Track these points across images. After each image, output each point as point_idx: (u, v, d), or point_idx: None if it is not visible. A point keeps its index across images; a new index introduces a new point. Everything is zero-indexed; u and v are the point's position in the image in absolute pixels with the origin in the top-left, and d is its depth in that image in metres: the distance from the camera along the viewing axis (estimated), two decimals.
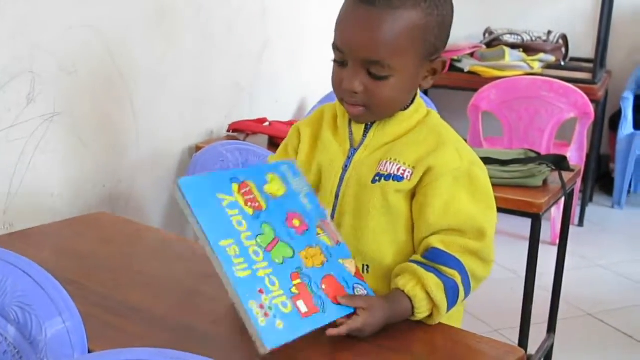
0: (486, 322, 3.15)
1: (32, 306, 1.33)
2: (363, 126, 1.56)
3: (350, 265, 1.47)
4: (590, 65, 4.37)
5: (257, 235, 1.37)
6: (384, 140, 1.54)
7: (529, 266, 2.50)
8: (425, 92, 4.44)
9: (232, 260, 1.31)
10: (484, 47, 4.52)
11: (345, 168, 1.56)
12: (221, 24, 3.01)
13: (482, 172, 1.53)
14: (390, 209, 1.52)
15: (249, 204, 1.41)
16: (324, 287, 1.40)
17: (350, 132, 1.58)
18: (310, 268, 1.41)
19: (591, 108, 3.88)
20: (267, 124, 3.11)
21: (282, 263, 1.38)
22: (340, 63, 1.49)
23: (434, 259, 1.46)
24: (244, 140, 2.92)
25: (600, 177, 4.96)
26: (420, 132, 1.53)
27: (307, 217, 1.48)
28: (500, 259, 3.72)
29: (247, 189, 1.43)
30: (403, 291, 1.44)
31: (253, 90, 3.26)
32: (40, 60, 2.20)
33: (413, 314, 1.45)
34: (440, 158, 1.48)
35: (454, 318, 1.58)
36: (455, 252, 1.46)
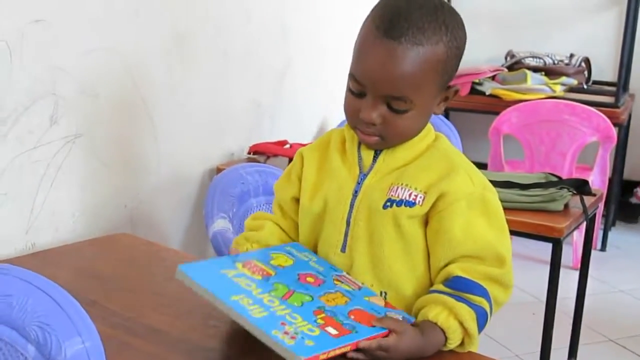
0: (507, 347, 3.13)
1: (52, 326, 1.33)
2: (373, 151, 1.55)
3: (378, 301, 1.47)
4: (613, 88, 4.36)
5: (269, 291, 1.41)
6: (394, 165, 1.53)
7: (550, 291, 2.49)
8: (447, 115, 4.45)
9: (247, 307, 1.34)
10: (506, 70, 4.51)
11: (355, 194, 1.55)
12: (241, 45, 3.03)
13: (494, 196, 1.53)
14: (403, 235, 1.51)
15: (256, 273, 1.46)
16: (352, 317, 1.40)
17: (360, 157, 1.57)
18: (333, 306, 1.41)
19: (614, 132, 3.86)
20: (287, 146, 3.12)
21: (302, 305, 1.39)
22: (357, 94, 1.48)
23: (460, 288, 1.45)
24: (265, 162, 2.92)
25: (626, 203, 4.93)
26: (431, 156, 1.53)
27: (321, 275, 1.50)
28: (521, 283, 3.74)
29: (252, 264, 1.48)
30: (436, 323, 1.42)
31: (274, 112, 3.27)
32: (63, 83, 2.22)
33: (445, 344, 1.44)
34: (453, 183, 1.47)
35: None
36: (479, 280, 1.45)
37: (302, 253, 1.57)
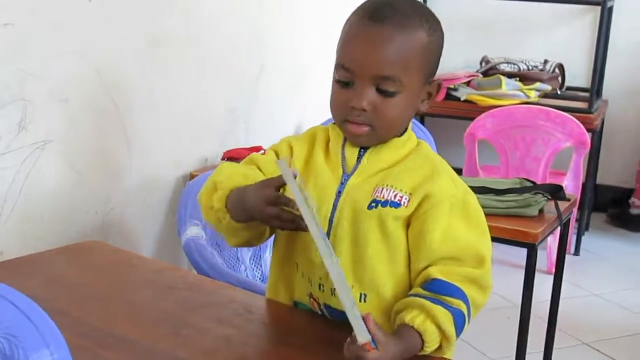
0: (482, 352, 3.12)
1: (19, 337, 1.31)
2: (357, 152, 1.55)
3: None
4: (587, 94, 4.38)
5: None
6: (379, 167, 1.53)
7: (525, 295, 2.49)
8: (422, 121, 4.45)
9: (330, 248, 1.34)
10: (481, 75, 4.53)
11: (339, 194, 1.54)
12: (215, 50, 3.01)
13: (475, 200, 1.54)
14: (387, 236, 1.50)
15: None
16: None
17: (343, 157, 1.56)
18: None
19: (587, 137, 3.88)
20: (261, 152, 3.09)
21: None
22: (344, 83, 1.49)
23: (438, 291, 1.44)
24: None
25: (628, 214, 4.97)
26: (415, 159, 1.54)
27: None
28: (496, 287, 3.70)
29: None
30: (412, 327, 1.41)
31: (248, 118, 3.25)
32: (32, 88, 2.19)
33: (422, 348, 1.42)
34: (437, 185, 1.49)
35: None
36: (457, 282, 1.45)
37: None
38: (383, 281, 1.52)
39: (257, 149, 3.11)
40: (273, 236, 1.66)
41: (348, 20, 1.52)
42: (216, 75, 3.04)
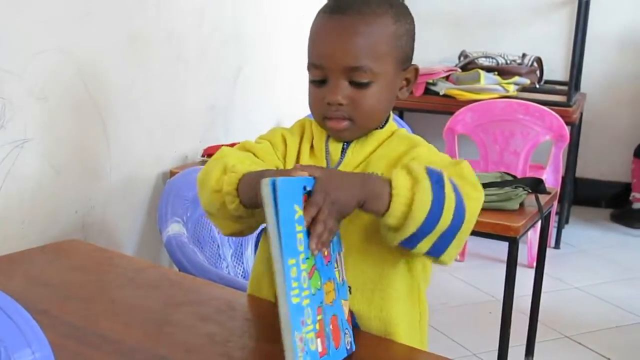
0: (465, 346, 3.13)
1: (1, 337, 1.30)
2: (340, 146, 1.55)
3: (345, 308, 1.44)
4: (565, 87, 4.40)
5: (307, 259, 1.30)
6: (363, 156, 1.54)
7: (507, 289, 2.50)
8: (401, 116, 4.46)
9: (292, 283, 1.25)
10: (459, 70, 4.54)
11: None
12: (194, 48, 3.00)
13: (465, 164, 1.46)
14: (373, 226, 1.47)
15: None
16: (331, 327, 1.37)
17: (327, 152, 1.57)
18: (327, 305, 1.37)
19: (566, 130, 3.89)
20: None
21: (315, 294, 1.33)
22: (319, 82, 1.49)
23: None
24: None
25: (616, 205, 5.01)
26: (391, 142, 1.55)
27: (332, 247, 1.41)
28: (477, 282, 3.76)
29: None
30: (377, 175, 1.37)
31: (227, 115, 3.24)
32: (10, 86, 2.17)
33: (390, 193, 1.31)
34: (416, 151, 1.50)
35: (415, 340, 1.55)
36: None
37: None
38: (368, 272, 1.52)
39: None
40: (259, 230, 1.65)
41: (314, 19, 1.52)
42: (195, 72, 3.03)
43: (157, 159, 2.86)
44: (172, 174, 2.81)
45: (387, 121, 1.57)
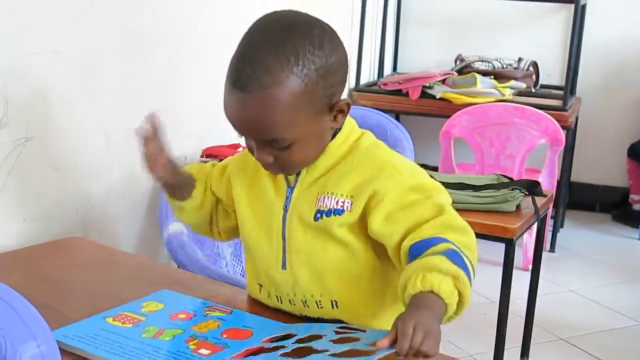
0: (460, 348, 3.15)
1: (6, 330, 1.31)
2: None
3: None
4: (561, 92, 4.41)
5: (140, 334, 1.47)
6: (319, 174, 1.52)
7: (503, 290, 2.51)
8: (397, 118, 4.47)
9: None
10: (455, 74, 4.56)
11: (286, 208, 1.54)
12: (190, 49, 3.01)
13: (423, 175, 1.51)
14: (341, 243, 1.50)
15: (127, 322, 1.53)
16: (225, 335, 1.47)
17: None
18: (205, 332, 1.48)
19: (562, 134, 3.91)
20: (240, 149, 3.11)
21: (173, 339, 1.45)
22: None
23: (419, 252, 1.38)
24: None
25: (616, 207, 5.03)
26: (353, 159, 1.51)
27: (192, 310, 1.58)
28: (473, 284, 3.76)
29: (122, 315, 1.55)
30: (418, 292, 1.32)
31: (226, 117, 3.25)
32: (12, 85, 2.18)
33: (445, 304, 1.32)
34: (382, 181, 1.46)
35: None
36: (429, 235, 1.40)
37: (173, 297, 1.65)
38: (348, 287, 1.53)
39: (236, 146, 3.11)
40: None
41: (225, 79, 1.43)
42: (192, 73, 3.04)
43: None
44: None
45: (340, 129, 1.51)
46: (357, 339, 1.36)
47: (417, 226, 1.42)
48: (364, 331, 1.42)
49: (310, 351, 1.31)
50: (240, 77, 1.38)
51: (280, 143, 1.42)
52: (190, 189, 1.66)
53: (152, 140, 1.56)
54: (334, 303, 1.54)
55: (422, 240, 1.40)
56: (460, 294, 1.35)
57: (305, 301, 1.56)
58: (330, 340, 1.36)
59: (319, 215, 1.49)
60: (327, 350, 1.30)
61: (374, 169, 1.48)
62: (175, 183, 1.64)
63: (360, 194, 1.47)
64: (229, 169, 1.67)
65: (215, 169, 1.71)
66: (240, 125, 1.43)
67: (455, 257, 1.36)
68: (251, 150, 1.48)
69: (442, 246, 1.37)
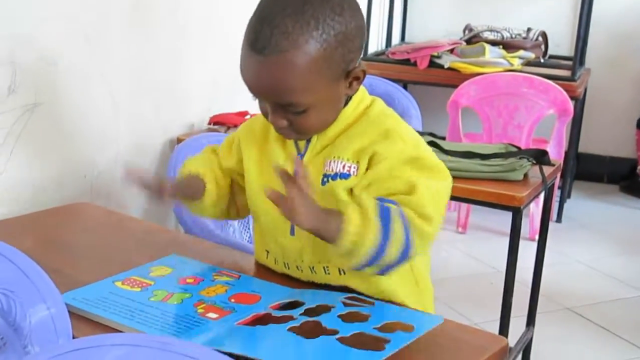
0: (466, 316, 3.16)
1: (16, 293, 1.33)
2: None
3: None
4: (570, 62, 4.39)
5: (148, 298, 1.49)
6: (329, 140, 1.53)
7: (510, 259, 2.52)
8: (405, 87, 4.46)
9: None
10: (464, 43, 4.54)
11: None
12: (199, 16, 3.01)
13: (427, 151, 1.51)
14: None
15: (135, 286, 1.54)
16: (232, 300, 1.48)
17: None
18: (213, 296, 1.49)
19: (570, 105, 3.90)
20: (248, 116, 3.11)
21: (182, 302, 1.47)
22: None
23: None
24: (226, 132, 2.91)
25: (624, 178, 5.02)
26: (360, 124, 1.51)
27: (200, 275, 1.59)
28: (479, 254, 3.79)
29: (131, 279, 1.57)
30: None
31: (234, 84, 3.24)
32: (21, 52, 2.19)
33: (342, 220, 1.37)
34: (384, 145, 1.47)
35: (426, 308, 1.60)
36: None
37: (181, 262, 1.66)
38: None
39: (244, 113, 3.12)
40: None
41: (243, 41, 1.44)
42: (200, 41, 3.04)
43: (164, 127, 2.88)
44: (178, 141, 2.83)
45: (350, 99, 1.52)
46: (366, 317, 1.37)
47: (390, 197, 1.45)
48: (373, 304, 1.44)
49: (319, 331, 1.32)
50: (258, 39, 1.38)
51: (295, 107, 1.43)
52: (202, 187, 1.62)
53: (143, 180, 1.54)
54: (341, 269, 1.54)
55: (381, 198, 1.43)
56: (360, 236, 1.37)
57: (313, 267, 1.56)
58: (338, 316, 1.37)
59: (325, 179, 1.50)
60: (336, 332, 1.30)
61: (378, 134, 1.48)
62: (187, 191, 1.61)
63: (363, 158, 1.48)
64: (237, 139, 1.67)
65: (222, 146, 1.72)
66: (256, 88, 1.44)
67: (384, 211, 1.38)
68: (265, 114, 1.49)
69: (387, 204, 1.40)
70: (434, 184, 1.47)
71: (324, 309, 1.40)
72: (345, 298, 1.46)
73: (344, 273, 1.55)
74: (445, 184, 1.50)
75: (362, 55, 1.50)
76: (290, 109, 1.43)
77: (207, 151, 1.74)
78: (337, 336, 1.28)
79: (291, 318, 1.37)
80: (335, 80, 1.44)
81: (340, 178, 1.49)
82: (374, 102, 1.55)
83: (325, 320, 1.35)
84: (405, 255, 1.42)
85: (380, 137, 1.48)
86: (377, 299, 1.49)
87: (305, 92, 1.41)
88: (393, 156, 1.46)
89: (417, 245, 1.43)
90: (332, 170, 1.49)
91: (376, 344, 1.26)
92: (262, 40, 1.37)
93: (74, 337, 1.31)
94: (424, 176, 1.46)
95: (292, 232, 1.56)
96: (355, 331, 1.30)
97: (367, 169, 1.48)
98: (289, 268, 1.61)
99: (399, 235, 1.40)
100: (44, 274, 1.36)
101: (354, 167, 1.48)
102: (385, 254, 1.40)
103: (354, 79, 1.48)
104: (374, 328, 1.32)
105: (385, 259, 1.41)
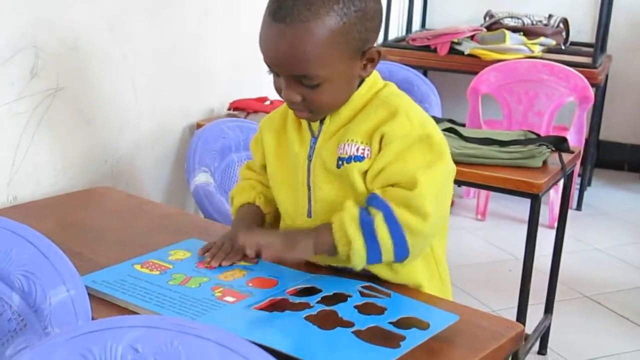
0: (484, 303, 3.17)
1: (37, 274, 1.34)
2: None
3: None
4: (591, 49, 4.36)
5: (167, 281, 1.50)
6: (341, 123, 1.54)
7: (528, 246, 2.51)
8: (425, 74, 4.45)
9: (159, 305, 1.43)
10: (485, 30, 4.51)
11: (310, 158, 1.57)
12: (221, 1, 3.02)
13: (435, 132, 1.52)
14: (361, 191, 1.52)
15: (155, 269, 1.56)
16: (250, 284, 1.49)
17: (309, 124, 1.58)
18: (231, 280, 1.50)
19: (591, 92, 3.88)
20: (268, 102, 3.12)
21: (199, 286, 1.48)
22: (275, 72, 1.49)
23: (367, 201, 1.48)
24: (245, 118, 2.92)
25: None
26: (372, 106, 1.53)
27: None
28: (497, 241, 3.78)
29: (150, 263, 1.58)
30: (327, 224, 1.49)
31: (254, 70, 3.25)
32: (44, 36, 2.20)
33: (335, 244, 1.47)
34: (391, 126, 1.48)
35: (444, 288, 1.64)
36: (387, 198, 1.45)
37: (200, 246, 1.66)
38: None
39: (263, 99, 3.12)
40: None
41: (263, 15, 1.47)
42: (221, 27, 3.04)
43: (184, 111, 2.89)
44: (198, 126, 2.84)
45: (362, 82, 1.54)
46: (382, 310, 1.38)
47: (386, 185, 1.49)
48: (389, 295, 1.45)
49: (335, 321, 1.32)
50: (280, 8, 1.41)
51: (310, 80, 1.44)
52: (260, 213, 1.71)
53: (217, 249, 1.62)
54: None
55: (375, 195, 1.47)
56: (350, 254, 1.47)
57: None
58: (355, 307, 1.37)
59: (340, 162, 1.51)
60: (352, 324, 1.31)
61: (387, 114, 1.50)
62: (254, 227, 1.67)
63: (374, 139, 1.49)
64: (260, 133, 1.71)
65: (251, 148, 1.76)
66: (273, 58, 1.45)
67: (366, 227, 1.45)
68: (278, 90, 1.51)
69: (373, 212, 1.46)
70: (439, 174, 1.48)
71: (340, 298, 1.40)
72: (362, 287, 1.47)
73: None
74: (450, 166, 1.52)
75: (378, 41, 1.50)
76: (305, 82, 1.45)
77: (244, 175, 1.79)
78: (353, 329, 1.29)
79: (308, 305, 1.38)
80: (350, 57, 1.47)
81: (355, 161, 1.50)
82: (386, 86, 1.57)
83: (341, 310, 1.36)
84: (403, 256, 1.48)
85: (388, 116, 1.49)
86: (393, 289, 1.49)
87: (321, 64, 1.43)
88: (401, 137, 1.47)
89: (412, 245, 1.47)
90: (346, 153, 1.51)
91: (391, 341, 1.26)
92: (284, 9, 1.40)
93: (93, 319, 1.33)
94: (429, 164, 1.47)
95: (309, 214, 1.58)
96: (370, 324, 1.31)
97: (379, 151, 1.49)
98: None
99: (387, 244, 1.45)
100: (65, 256, 1.37)
101: (367, 150, 1.50)
102: (381, 259, 1.48)
103: (368, 60, 1.50)
104: (390, 323, 1.32)
105: (385, 260, 1.48)
